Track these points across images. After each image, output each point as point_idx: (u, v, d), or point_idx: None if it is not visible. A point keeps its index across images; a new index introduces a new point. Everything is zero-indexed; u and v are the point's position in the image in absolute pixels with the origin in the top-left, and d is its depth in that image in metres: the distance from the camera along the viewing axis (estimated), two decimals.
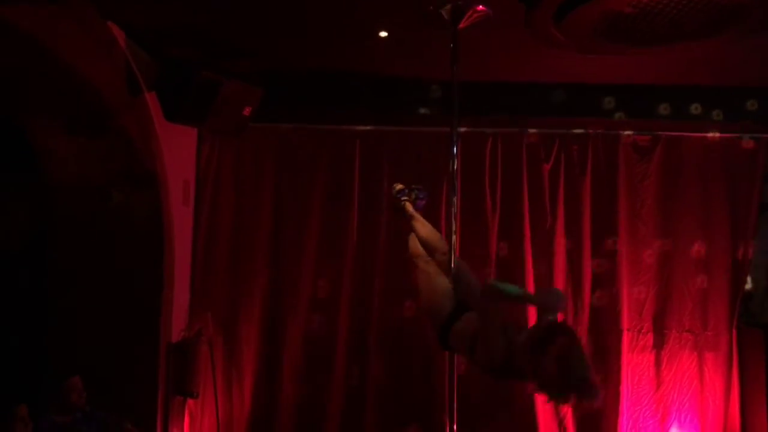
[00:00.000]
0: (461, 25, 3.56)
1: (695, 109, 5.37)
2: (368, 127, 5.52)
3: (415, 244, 3.91)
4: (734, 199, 5.46)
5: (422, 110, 5.42)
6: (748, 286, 5.55)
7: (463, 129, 5.14)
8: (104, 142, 4.50)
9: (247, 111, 4.62)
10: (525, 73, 5.11)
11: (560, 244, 5.44)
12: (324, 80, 5.30)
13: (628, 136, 5.49)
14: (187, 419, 5.24)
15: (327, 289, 5.45)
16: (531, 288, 5.36)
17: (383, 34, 4.35)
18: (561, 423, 5.31)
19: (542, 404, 5.29)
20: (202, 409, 5.28)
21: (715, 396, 5.40)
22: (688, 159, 5.48)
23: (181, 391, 5.03)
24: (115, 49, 4.21)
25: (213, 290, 5.39)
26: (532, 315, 4.89)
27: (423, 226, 3.87)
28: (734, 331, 5.43)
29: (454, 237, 3.60)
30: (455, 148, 3.74)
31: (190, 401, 5.21)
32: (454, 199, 3.80)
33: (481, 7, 3.55)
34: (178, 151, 5.05)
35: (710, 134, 5.44)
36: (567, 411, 5.31)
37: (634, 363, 5.40)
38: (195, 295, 5.37)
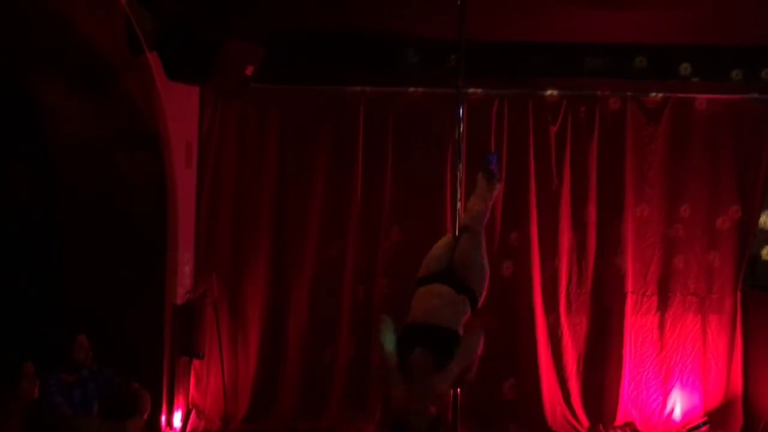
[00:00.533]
0: None
1: (707, 69, 5.28)
2: (372, 88, 5.45)
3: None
4: (743, 162, 5.41)
5: (427, 71, 5.32)
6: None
7: (469, 90, 5.09)
8: (106, 102, 4.44)
9: (249, 70, 4.53)
10: (533, 32, 5.01)
11: (566, 206, 5.41)
12: (327, 40, 5.21)
13: (637, 97, 5.41)
14: (193, 380, 5.29)
15: (332, 251, 5.44)
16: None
17: None
18: (564, 384, 5.35)
19: (545, 361, 5.33)
20: (208, 370, 5.32)
21: (718, 358, 5.42)
22: (697, 121, 5.41)
23: (186, 352, 5.06)
24: (116, 7, 4.12)
25: (217, 253, 5.38)
26: None
27: (475, 196, 3.62)
28: (739, 294, 5.42)
29: (459, 204, 3.56)
30: (461, 111, 3.68)
31: (195, 362, 5.25)
32: (460, 165, 3.77)
33: None
34: (180, 113, 4.99)
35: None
36: (571, 372, 5.35)
37: (638, 326, 5.41)
38: (199, 257, 5.37)
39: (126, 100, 4.44)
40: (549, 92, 5.42)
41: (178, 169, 4.99)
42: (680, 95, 5.40)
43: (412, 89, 5.43)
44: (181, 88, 4.66)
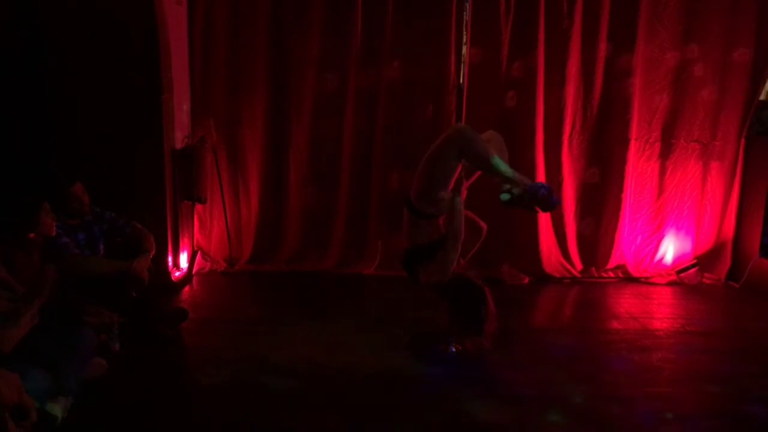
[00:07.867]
0: None
1: None
2: None
3: None
4: (763, 7, 5.10)
5: None
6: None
7: None
8: None
9: None
10: None
11: (575, 49, 5.18)
12: None
13: None
14: (196, 224, 5.37)
15: (332, 86, 5.26)
16: None
17: None
18: (561, 228, 5.44)
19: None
20: (211, 214, 5.38)
21: (714, 204, 5.49)
22: None
23: (188, 197, 5.09)
24: None
25: (213, 96, 5.21)
26: None
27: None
28: (743, 141, 5.37)
29: (464, 48, 3.39)
30: None
31: (198, 207, 5.30)
32: (467, 4, 3.54)
33: None
34: None
35: None
36: (568, 216, 5.42)
37: (639, 172, 5.42)
38: (195, 100, 5.21)
39: None
40: None
41: (168, 4, 4.72)
42: None
43: None
44: None
